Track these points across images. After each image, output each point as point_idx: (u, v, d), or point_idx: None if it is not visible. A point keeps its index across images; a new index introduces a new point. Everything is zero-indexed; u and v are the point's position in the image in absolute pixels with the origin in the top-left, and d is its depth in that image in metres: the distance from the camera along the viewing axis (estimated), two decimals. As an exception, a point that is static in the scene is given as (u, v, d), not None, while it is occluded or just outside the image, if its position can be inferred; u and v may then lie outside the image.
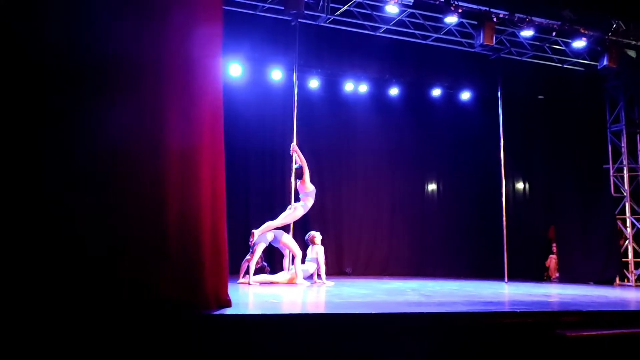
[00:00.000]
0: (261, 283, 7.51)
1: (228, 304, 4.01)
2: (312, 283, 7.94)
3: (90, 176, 3.59)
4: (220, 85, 4.29)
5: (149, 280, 3.63)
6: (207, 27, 4.17)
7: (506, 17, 9.15)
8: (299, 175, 7.91)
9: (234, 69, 10.02)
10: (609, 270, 10.39)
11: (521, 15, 9.18)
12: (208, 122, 4.11)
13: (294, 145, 8.18)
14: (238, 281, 7.51)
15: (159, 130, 3.84)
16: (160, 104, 3.88)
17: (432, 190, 12.31)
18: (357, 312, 4.08)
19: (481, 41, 8.93)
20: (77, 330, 3.25)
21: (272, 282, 7.70)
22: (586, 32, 9.50)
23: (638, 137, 10.77)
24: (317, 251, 8.08)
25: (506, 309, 4.90)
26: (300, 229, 8.63)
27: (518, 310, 4.58)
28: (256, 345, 3.61)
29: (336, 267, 10.63)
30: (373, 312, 4.10)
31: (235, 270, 8.27)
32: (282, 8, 8.31)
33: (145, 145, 3.78)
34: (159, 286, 3.65)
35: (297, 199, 8.10)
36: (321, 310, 4.69)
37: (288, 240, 7.91)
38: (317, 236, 8.24)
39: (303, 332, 3.78)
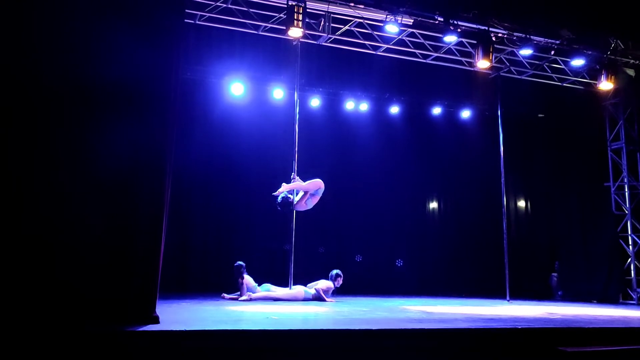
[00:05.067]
0: (262, 298, 7.52)
1: (155, 320, 4.01)
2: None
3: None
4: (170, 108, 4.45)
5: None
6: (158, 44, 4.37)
7: (505, 36, 9.25)
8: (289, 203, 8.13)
9: (236, 88, 10.10)
10: (611, 288, 10.35)
11: (520, 35, 9.27)
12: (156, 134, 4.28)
13: (294, 175, 8.25)
14: (239, 299, 7.51)
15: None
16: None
17: (433, 208, 12.31)
18: (358, 328, 4.08)
19: (480, 60, 9.00)
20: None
21: (275, 298, 7.69)
22: (585, 50, 9.59)
23: (638, 155, 10.76)
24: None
25: (508, 325, 4.87)
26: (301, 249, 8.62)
27: (519, 327, 4.57)
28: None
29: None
30: (374, 328, 4.10)
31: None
32: (284, 28, 8.38)
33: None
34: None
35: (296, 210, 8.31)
36: (321, 326, 4.68)
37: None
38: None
39: (305, 348, 3.78)
